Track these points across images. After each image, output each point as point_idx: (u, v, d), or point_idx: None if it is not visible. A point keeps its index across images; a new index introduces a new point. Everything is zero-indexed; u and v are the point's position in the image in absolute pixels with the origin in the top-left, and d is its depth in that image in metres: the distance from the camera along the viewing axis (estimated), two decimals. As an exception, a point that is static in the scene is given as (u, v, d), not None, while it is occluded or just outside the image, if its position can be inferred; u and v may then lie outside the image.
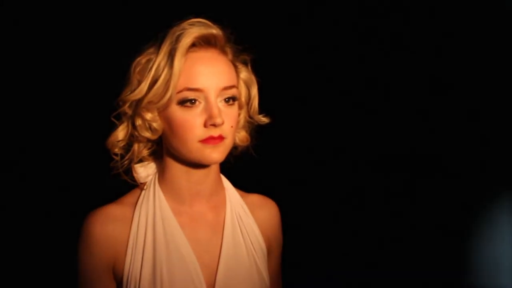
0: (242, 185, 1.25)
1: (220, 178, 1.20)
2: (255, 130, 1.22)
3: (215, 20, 1.10)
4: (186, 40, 1.04)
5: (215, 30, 1.08)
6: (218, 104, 1.06)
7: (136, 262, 1.10)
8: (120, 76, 1.11)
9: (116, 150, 1.14)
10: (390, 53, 1.78)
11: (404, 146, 1.83)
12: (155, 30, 1.10)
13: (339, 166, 1.81)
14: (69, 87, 1.65)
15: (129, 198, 1.16)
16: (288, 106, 1.68)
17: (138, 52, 1.10)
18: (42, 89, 1.67)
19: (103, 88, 1.21)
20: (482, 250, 1.76)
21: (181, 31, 1.06)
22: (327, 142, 1.80)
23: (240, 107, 1.15)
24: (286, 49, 1.76)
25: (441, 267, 1.79)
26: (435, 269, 1.79)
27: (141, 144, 1.15)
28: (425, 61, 1.80)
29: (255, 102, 1.18)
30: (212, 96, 1.05)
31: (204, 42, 1.07)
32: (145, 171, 1.17)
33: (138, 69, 1.09)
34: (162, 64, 1.05)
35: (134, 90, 1.08)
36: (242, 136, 1.20)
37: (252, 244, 1.18)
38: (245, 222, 1.19)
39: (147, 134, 1.11)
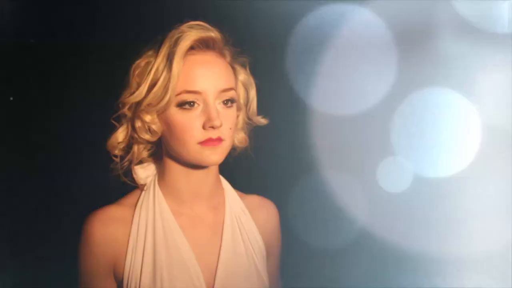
0: (241, 186, 1.26)
1: (219, 179, 1.21)
2: (253, 131, 1.23)
3: (213, 23, 1.11)
4: (185, 43, 1.05)
5: (213, 33, 1.09)
6: (217, 106, 1.07)
7: (136, 263, 1.11)
8: (119, 79, 1.12)
9: (116, 151, 1.15)
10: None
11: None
12: (154, 33, 1.11)
13: (340, 167, 1.81)
14: (69, 90, 1.66)
15: (129, 199, 1.17)
16: (287, 108, 1.68)
17: (137, 54, 1.11)
18: (43, 92, 1.67)
19: (103, 90, 1.22)
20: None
21: (180, 34, 1.07)
22: (327, 144, 1.80)
23: (238, 109, 1.16)
24: (284, 50, 1.76)
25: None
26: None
27: (140, 146, 1.16)
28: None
29: (254, 104, 1.19)
30: (210, 98, 1.06)
31: (202, 45, 1.08)
32: (144, 172, 1.18)
33: (137, 71, 1.10)
34: (161, 67, 1.06)
35: (134, 92, 1.09)
36: (240, 138, 1.21)
37: (251, 245, 1.19)
38: (244, 223, 1.20)
39: (147, 136, 1.12)
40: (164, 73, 1.06)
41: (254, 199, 1.26)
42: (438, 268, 1.65)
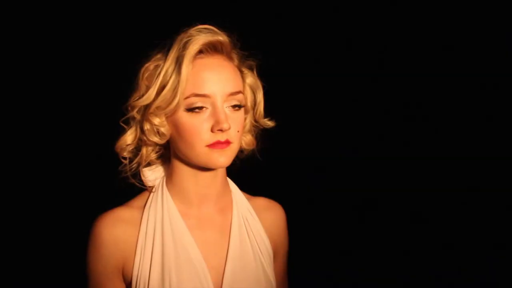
0: (248, 188, 1.27)
1: (227, 181, 1.22)
2: (260, 133, 1.24)
3: (221, 26, 1.12)
4: (194, 47, 1.06)
5: (221, 37, 1.10)
6: (225, 109, 1.08)
7: (145, 264, 1.12)
8: (129, 82, 1.13)
9: (125, 154, 1.16)
10: (396, 55, 1.79)
11: (412, 150, 1.83)
12: (162, 37, 1.12)
13: (345, 169, 1.83)
14: (79, 93, 1.68)
15: (137, 201, 1.18)
16: (293, 110, 1.69)
17: (146, 58, 1.12)
18: (52, 95, 1.69)
19: (112, 93, 1.22)
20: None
21: (188, 38, 1.07)
22: (332, 146, 1.81)
23: (246, 112, 1.17)
24: (291, 54, 1.77)
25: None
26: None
27: (149, 148, 1.17)
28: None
29: (261, 107, 1.19)
30: (219, 101, 1.07)
31: (210, 48, 1.09)
32: (153, 174, 1.19)
33: (146, 75, 1.10)
34: (170, 70, 1.07)
35: (143, 95, 1.10)
36: (248, 140, 1.22)
37: (258, 246, 1.20)
38: (251, 225, 1.21)
39: (155, 139, 1.13)
40: (173, 76, 1.06)
41: (261, 201, 1.27)
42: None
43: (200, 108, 1.07)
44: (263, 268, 1.19)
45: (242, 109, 1.12)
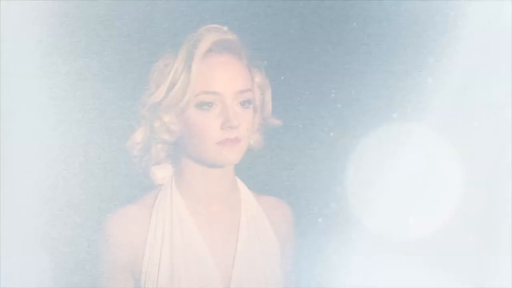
0: (256, 188, 1.27)
1: (235, 180, 1.23)
2: (268, 132, 1.25)
3: (230, 26, 1.14)
4: (203, 45, 1.08)
5: (231, 36, 1.11)
6: (234, 107, 1.09)
7: (153, 262, 1.12)
8: (139, 81, 1.14)
9: (135, 152, 1.17)
10: (403, 58, 1.79)
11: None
12: (171, 36, 1.13)
13: (351, 169, 1.82)
14: (88, 92, 1.68)
15: (147, 199, 1.19)
16: (300, 110, 1.70)
17: (156, 57, 1.14)
18: (62, 94, 1.70)
19: (122, 92, 1.24)
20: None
21: (198, 37, 1.09)
22: (338, 145, 1.81)
23: (254, 110, 1.18)
24: (298, 53, 1.78)
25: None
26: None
27: (158, 146, 1.18)
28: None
29: (269, 105, 1.21)
30: (228, 99, 1.08)
31: (220, 47, 1.11)
32: (162, 172, 1.20)
33: (156, 73, 1.12)
34: (180, 68, 1.09)
35: (153, 93, 1.11)
36: (256, 139, 1.22)
37: (266, 245, 1.21)
38: (259, 223, 1.22)
39: (166, 136, 1.14)
40: (183, 74, 1.08)
41: (269, 200, 1.28)
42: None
43: (210, 105, 1.08)
44: (271, 266, 1.20)
45: (251, 107, 1.13)
